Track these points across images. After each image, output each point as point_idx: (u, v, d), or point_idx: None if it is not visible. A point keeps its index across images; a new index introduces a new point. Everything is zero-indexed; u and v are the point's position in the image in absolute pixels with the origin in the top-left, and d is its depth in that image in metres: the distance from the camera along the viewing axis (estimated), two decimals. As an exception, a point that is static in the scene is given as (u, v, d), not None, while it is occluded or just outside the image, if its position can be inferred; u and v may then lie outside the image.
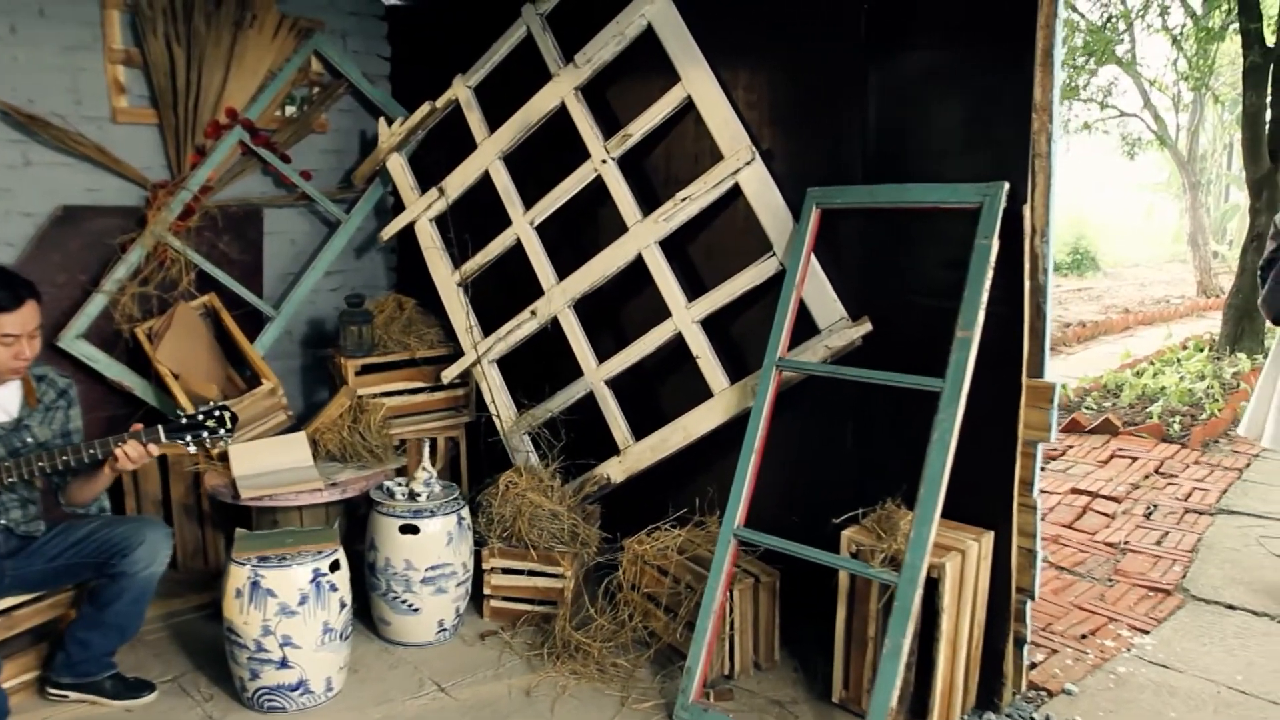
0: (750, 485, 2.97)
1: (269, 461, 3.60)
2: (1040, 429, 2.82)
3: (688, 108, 3.37)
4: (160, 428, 2.80)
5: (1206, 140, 17.02)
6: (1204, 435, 6.18)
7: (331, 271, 4.62)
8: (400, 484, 3.47)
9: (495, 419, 3.93)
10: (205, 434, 2.86)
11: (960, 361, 2.61)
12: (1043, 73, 2.68)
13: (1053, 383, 2.80)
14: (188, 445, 2.85)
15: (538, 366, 3.93)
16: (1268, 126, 7.91)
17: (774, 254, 3.16)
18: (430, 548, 3.31)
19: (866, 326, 3.00)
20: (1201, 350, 8.54)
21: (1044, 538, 4.48)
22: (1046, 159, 2.73)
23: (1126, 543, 4.43)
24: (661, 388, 3.68)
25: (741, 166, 3.20)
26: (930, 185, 2.80)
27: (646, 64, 3.47)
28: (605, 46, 3.52)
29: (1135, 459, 5.78)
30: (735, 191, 3.26)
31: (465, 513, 3.46)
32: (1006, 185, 2.67)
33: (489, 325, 4.01)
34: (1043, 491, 5.17)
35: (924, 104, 2.90)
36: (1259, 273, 3.54)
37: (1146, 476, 5.46)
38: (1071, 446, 6.12)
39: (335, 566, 2.95)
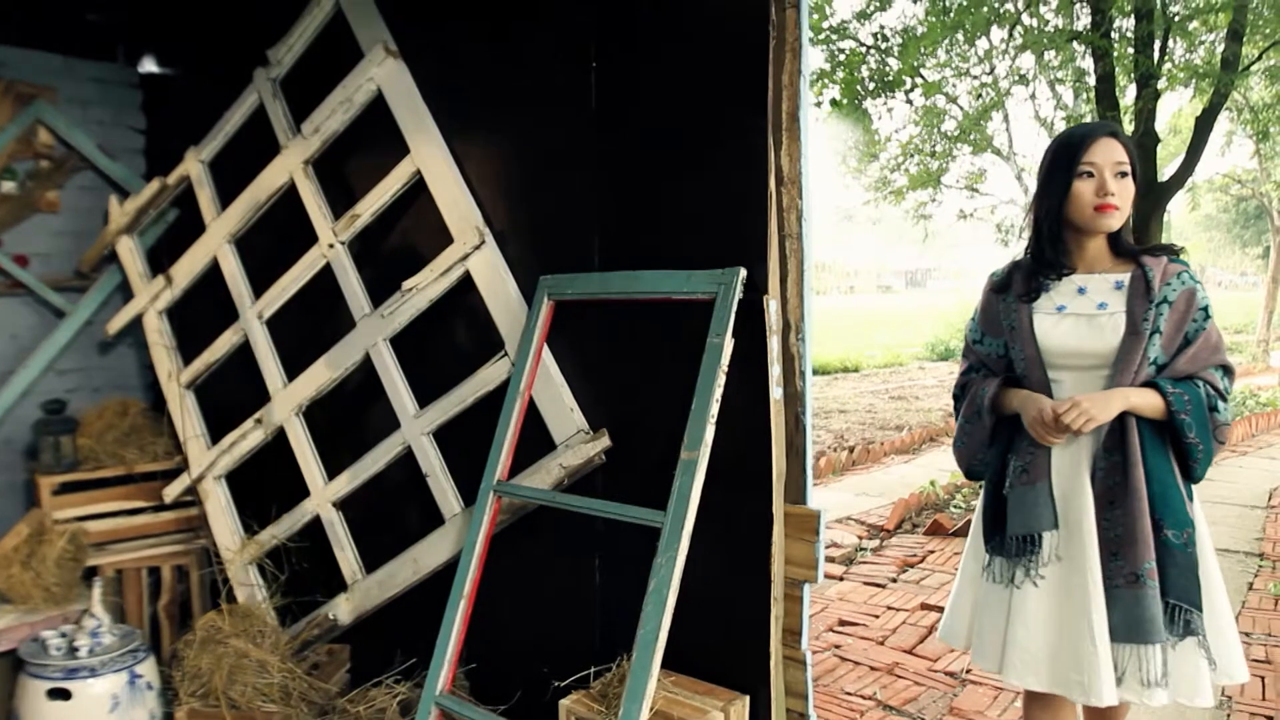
0: (459, 640, 2.42)
1: (-86, 607, 2.93)
2: (805, 566, 2.32)
3: (421, 184, 2.88)
4: None
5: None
6: (1070, 537, 5.80)
7: (67, 370, 3.99)
8: (61, 634, 2.83)
9: (215, 545, 3.31)
10: None
11: (684, 489, 2.11)
12: (789, 140, 2.26)
13: (816, 510, 2.31)
14: None
15: (275, 484, 3.34)
16: (1132, 214, 7.80)
17: (507, 354, 2.66)
18: (87, 715, 2.68)
19: (604, 441, 2.50)
20: (1079, 441, 8.25)
21: (880, 667, 4.01)
22: (799, 240, 2.29)
23: (969, 671, 3.95)
24: (404, 511, 3.11)
25: (470, 251, 2.71)
26: (663, 273, 2.34)
27: (384, 135, 2.99)
28: (333, 115, 3.04)
29: (995, 565, 5.34)
30: (469, 280, 2.77)
31: (145, 667, 2.83)
32: (743, 272, 2.22)
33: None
34: (890, 608, 4.71)
35: (661, 179, 2.46)
36: (953, 402, 2.48)
37: (1004, 586, 5.02)
38: (932, 552, 5.67)
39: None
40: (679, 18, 2.38)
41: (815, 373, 10.85)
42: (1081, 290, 2.18)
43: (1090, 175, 2.14)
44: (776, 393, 2.27)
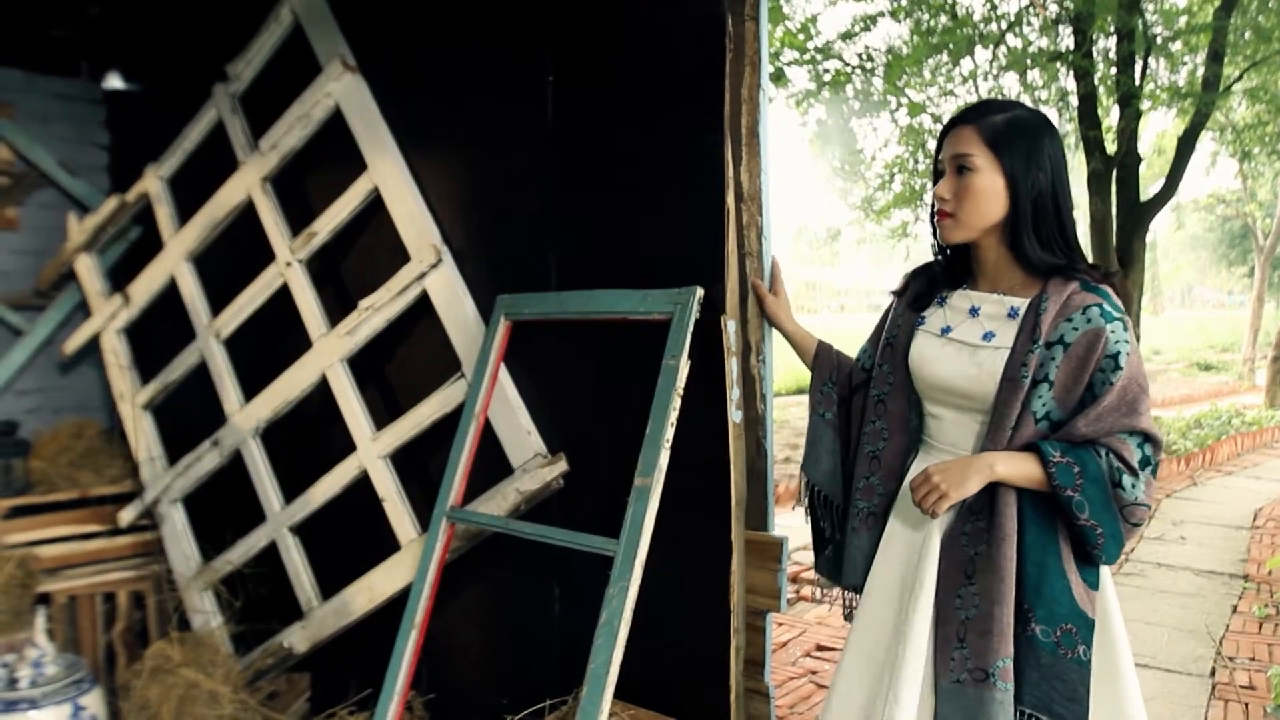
0: (409, 673, 2.34)
1: None
2: (767, 595, 2.25)
3: (379, 201, 2.82)
4: None
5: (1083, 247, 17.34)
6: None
7: (27, 391, 3.91)
8: (4, 664, 2.73)
9: (169, 571, 3.23)
10: None
11: (638, 517, 2.04)
12: (749, 155, 2.20)
13: (780, 537, 2.24)
14: None
15: (231, 508, 3.26)
16: (1115, 233, 7.79)
17: (464, 375, 2.59)
18: (28, 752, 2.58)
19: (561, 465, 2.42)
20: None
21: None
22: (759, 259, 2.23)
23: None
24: (362, 536, 3.03)
25: (428, 270, 2.65)
26: (619, 292, 2.27)
27: (343, 152, 2.92)
28: (291, 131, 2.98)
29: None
30: (427, 299, 2.70)
31: (91, 699, 2.74)
32: (700, 291, 2.15)
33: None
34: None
35: (620, 195, 2.40)
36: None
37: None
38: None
39: None
40: (635, 31, 2.33)
41: (799, 392, 10.79)
42: (974, 311, 1.79)
43: (942, 175, 1.77)
44: (736, 416, 2.20)
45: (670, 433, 2.08)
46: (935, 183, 1.80)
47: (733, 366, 2.19)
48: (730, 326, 2.18)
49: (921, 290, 1.90)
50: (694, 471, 2.20)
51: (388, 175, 2.75)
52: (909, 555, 1.81)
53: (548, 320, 2.46)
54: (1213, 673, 4.02)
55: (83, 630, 3.38)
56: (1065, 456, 1.63)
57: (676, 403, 2.09)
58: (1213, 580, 5.40)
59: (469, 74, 2.68)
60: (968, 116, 1.74)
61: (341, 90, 2.85)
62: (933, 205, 1.81)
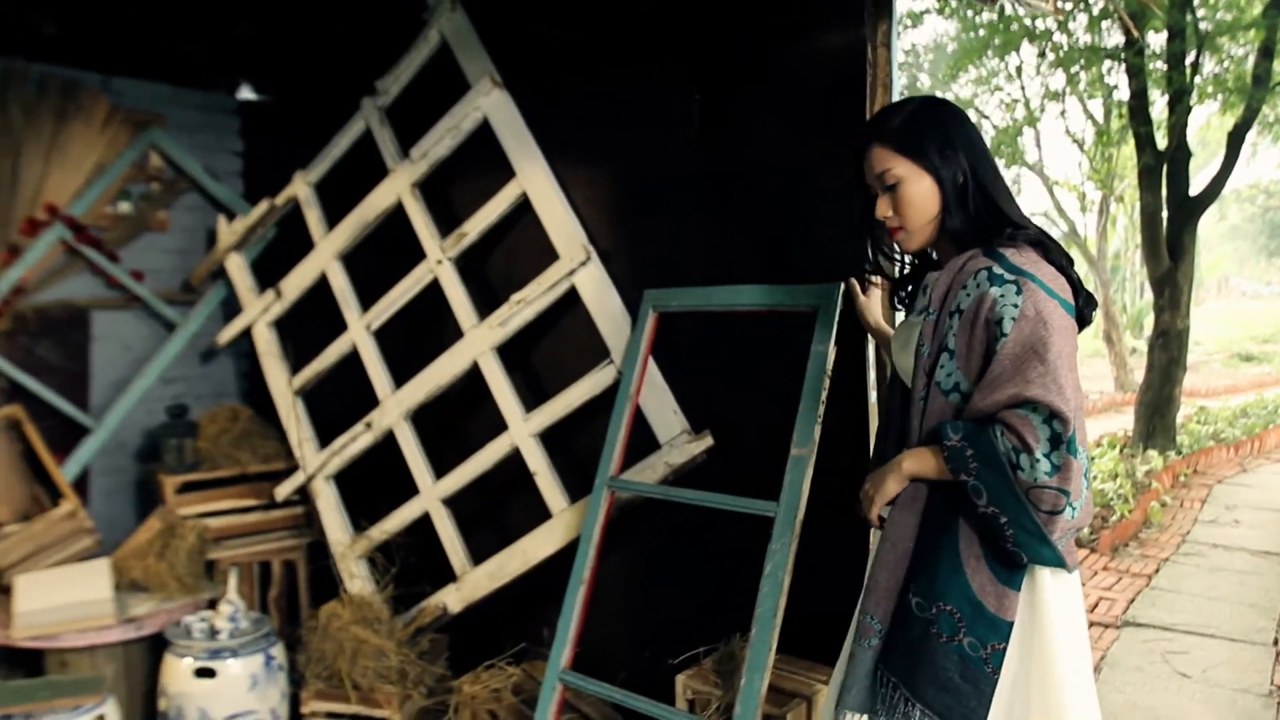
0: (579, 621, 2.65)
1: (61, 594, 3.18)
2: (895, 554, 2.54)
3: (526, 205, 3.13)
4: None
5: (1120, 240, 17.44)
6: (1113, 539, 5.99)
7: (173, 379, 4.26)
8: (202, 619, 3.08)
9: (326, 540, 3.56)
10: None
11: (795, 482, 2.34)
12: (880, 168, 2.49)
13: (907, 502, 2.53)
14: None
15: (381, 483, 3.59)
16: (1165, 226, 7.99)
17: (612, 362, 2.90)
18: (230, 693, 2.92)
19: (708, 441, 2.73)
20: (1115, 447, 8.44)
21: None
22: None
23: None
24: (508, 507, 3.36)
25: (576, 267, 2.96)
26: (765, 287, 2.57)
27: (487, 159, 3.24)
28: (441, 141, 3.30)
29: (1041, 567, 5.54)
30: (574, 294, 3.02)
31: (277, 650, 3.07)
32: (843, 286, 2.45)
33: (337, 437, 3.67)
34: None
35: (761, 199, 2.71)
36: None
37: (1052, 586, 5.21)
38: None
39: (96, 725, 2.55)
40: (782, 55, 2.63)
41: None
42: (925, 288, 1.80)
43: (875, 195, 1.80)
44: (872, 396, 2.50)
45: (821, 409, 2.38)
46: (865, 204, 1.84)
47: (869, 353, 2.49)
48: (868, 317, 2.48)
49: (914, 285, 1.96)
50: (835, 444, 2.49)
51: (535, 182, 3.07)
52: None
53: (691, 312, 2.76)
54: (1275, 642, 4.28)
55: (242, 594, 3.73)
56: (962, 439, 1.57)
57: (826, 383, 2.39)
58: (1269, 560, 5.64)
59: (613, 90, 2.99)
60: (870, 135, 1.77)
61: (490, 104, 3.17)
62: (873, 225, 1.84)
